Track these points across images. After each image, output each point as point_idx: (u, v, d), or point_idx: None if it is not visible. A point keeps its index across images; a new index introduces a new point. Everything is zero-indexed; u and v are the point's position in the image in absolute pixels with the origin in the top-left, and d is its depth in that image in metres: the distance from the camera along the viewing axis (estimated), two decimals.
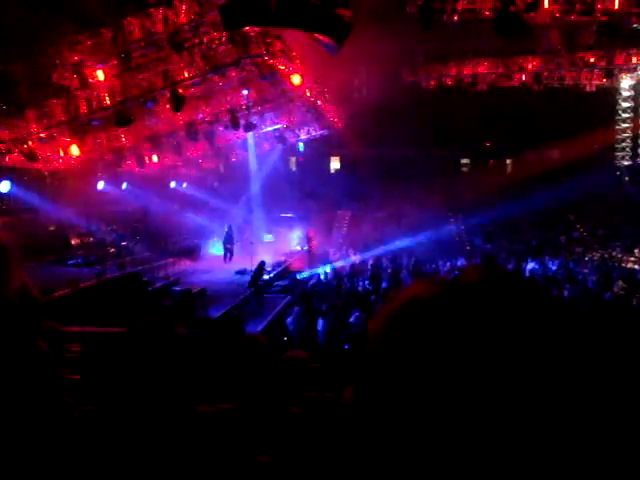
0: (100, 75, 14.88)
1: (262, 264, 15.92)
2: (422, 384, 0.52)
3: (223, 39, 14.70)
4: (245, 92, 19.61)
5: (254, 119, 21.55)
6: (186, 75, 15.65)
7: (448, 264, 18.95)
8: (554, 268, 18.23)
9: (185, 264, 20.35)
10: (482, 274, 0.59)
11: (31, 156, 16.03)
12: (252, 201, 26.84)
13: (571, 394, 0.53)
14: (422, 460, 0.52)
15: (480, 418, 0.51)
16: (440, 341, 0.53)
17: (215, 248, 22.77)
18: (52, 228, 18.92)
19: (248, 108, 20.46)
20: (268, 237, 24.73)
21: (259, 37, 14.99)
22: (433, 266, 18.58)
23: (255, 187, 27.11)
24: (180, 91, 15.55)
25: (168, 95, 15.68)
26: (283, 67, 16.36)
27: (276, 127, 24.18)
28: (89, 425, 1.43)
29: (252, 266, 16.35)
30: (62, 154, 17.34)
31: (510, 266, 18.15)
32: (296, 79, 17.13)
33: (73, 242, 19.43)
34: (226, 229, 21.63)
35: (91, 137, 18.35)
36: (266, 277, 17.26)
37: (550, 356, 0.53)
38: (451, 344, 0.53)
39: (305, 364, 3.21)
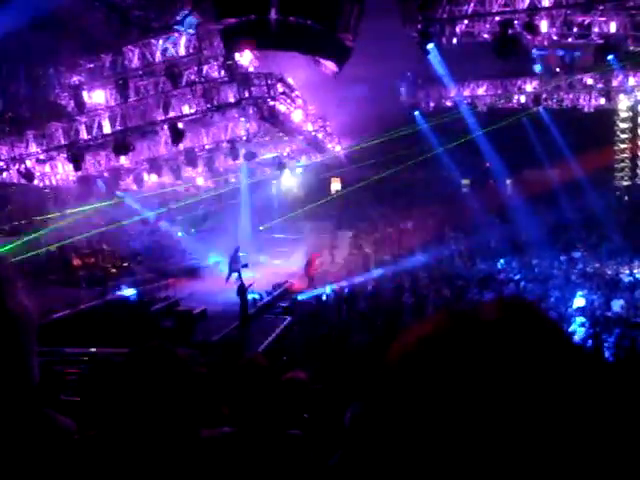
0: (98, 98, 15.00)
1: (242, 287, 15.16)
2: (435, 422, 0.54)
3: (225, 78, 14.77)
4: (247, 125, 19.56)
5: (254, 148, 21.52)
6: (186, 110, 15.71)
7: (448, 290, 18.79)
8: (555, 292, 18.12)
9: (186, 285, 20.26)
10: (502, 312, 0.60)
11: (28, 176, 16.10)
12: (249, 222, 26.83)
13: (590, 446, 0.53)
14: None
15: (492, 459, 0.52)
16: (453, 381, 0.54)
17: (218, 267, 22.58)
18: (53, 249, 18.88)
19: (249, 139, 20.38)
20: (263, 258, 24.44)
21: (261, 77, 15.07)
22: (434, 287, 18.47)
23: (249, 210, 27.05)
24: (180, 126, 15.59)
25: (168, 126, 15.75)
26: (284, 109, 16.35)
27: (276, 155, 24.30)
28: (91, 448, 1.42)
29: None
30: (60, 170, 17.39)
31: (511, 286, 18.12)
32: (297, 116, 17.12)
33: (74, 263, 19.39)
34: (233, 252, 21.48)
35: (90, 156, 18.35)
36: (256, 297, 17.00)
37: (564, 406, 0.54)
38: (465, 385, 0.54)
39: (305, 386, 3.19)
